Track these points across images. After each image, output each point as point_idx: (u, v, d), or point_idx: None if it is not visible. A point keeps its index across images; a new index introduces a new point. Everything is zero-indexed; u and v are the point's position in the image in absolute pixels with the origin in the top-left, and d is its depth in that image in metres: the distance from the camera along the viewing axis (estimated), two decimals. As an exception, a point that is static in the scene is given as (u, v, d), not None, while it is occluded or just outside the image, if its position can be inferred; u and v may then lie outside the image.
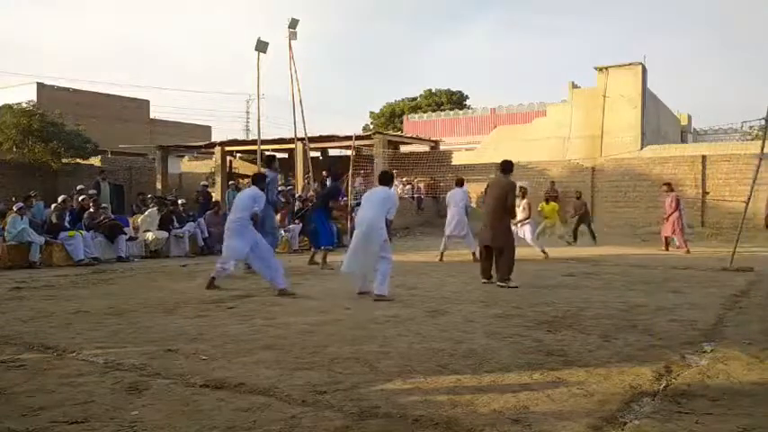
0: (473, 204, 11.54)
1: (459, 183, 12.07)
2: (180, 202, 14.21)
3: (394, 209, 7.16)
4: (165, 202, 13.69)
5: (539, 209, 15.40)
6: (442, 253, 11.50)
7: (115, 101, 33.24)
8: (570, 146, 22.83)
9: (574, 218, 16.14)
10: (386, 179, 7.67)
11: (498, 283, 7.84)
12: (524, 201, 12.38)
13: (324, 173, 21.37)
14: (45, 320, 5.66)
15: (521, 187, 13.83)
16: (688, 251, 12.90)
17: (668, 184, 14.07)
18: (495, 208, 8.13)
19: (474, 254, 10.99)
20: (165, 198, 15.33)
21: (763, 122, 10.63)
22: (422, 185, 22.24)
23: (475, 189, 16.70)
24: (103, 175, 17.76)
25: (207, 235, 13.09)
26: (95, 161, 24.10)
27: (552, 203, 15.27)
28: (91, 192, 14.03)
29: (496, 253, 8.05)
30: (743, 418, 3.07)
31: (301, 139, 19.06)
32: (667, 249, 13.52)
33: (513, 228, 12.28)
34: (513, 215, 8.22)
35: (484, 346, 4.56)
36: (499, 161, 8.82)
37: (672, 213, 13.37)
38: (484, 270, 8.27)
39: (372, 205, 6.99)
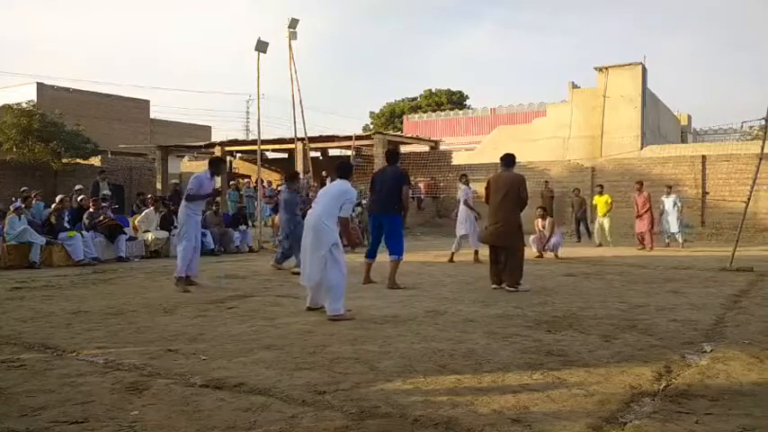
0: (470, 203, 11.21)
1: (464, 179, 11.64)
2: None
3: (349, 205, 6.11)
4: (165, 203, 13.68)
5: (593, 203, 15.45)
6: (453, 254, 11.08)
7: (115, 101, 33.29)
8: (570, 146, 22.85)
9: (573, 215, 16.18)
10: (344, 171, 6.42)
11: (508, 288, 7.34)
12: (548, 220, 11.94)
13: (323, 173, 21.40)
14: (45, 320, 5.65)
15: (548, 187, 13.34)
16: (652, 248, 13.67)
17: (641, 183, 14.65)
18: (503, 205, 7.44)
19: (476, 253, 10.84)
20: (165, 198, 15.33)
21: (763, 122, 10.62)
22: (422, 185, 22.24)
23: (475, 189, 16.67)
24: (103, 175, 17.76)
25: (207, 235, 13.05)
26: (95, 161, 24.13)
27: (606, 195, 15.19)
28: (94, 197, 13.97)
29: (505, 253, 7.46)
30: (743, 418, 3.06)
31: (301, 139, 19.05)
32: (643, 246, 13.91)
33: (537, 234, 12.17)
34: (523, 208, 7.55)
35: (484, 346, 4.56)
36: (499, 158, 7.99)
37: (646, 211, 13.93)
38: (493, 274, 7.60)
39: (324, 200, 6.02)
